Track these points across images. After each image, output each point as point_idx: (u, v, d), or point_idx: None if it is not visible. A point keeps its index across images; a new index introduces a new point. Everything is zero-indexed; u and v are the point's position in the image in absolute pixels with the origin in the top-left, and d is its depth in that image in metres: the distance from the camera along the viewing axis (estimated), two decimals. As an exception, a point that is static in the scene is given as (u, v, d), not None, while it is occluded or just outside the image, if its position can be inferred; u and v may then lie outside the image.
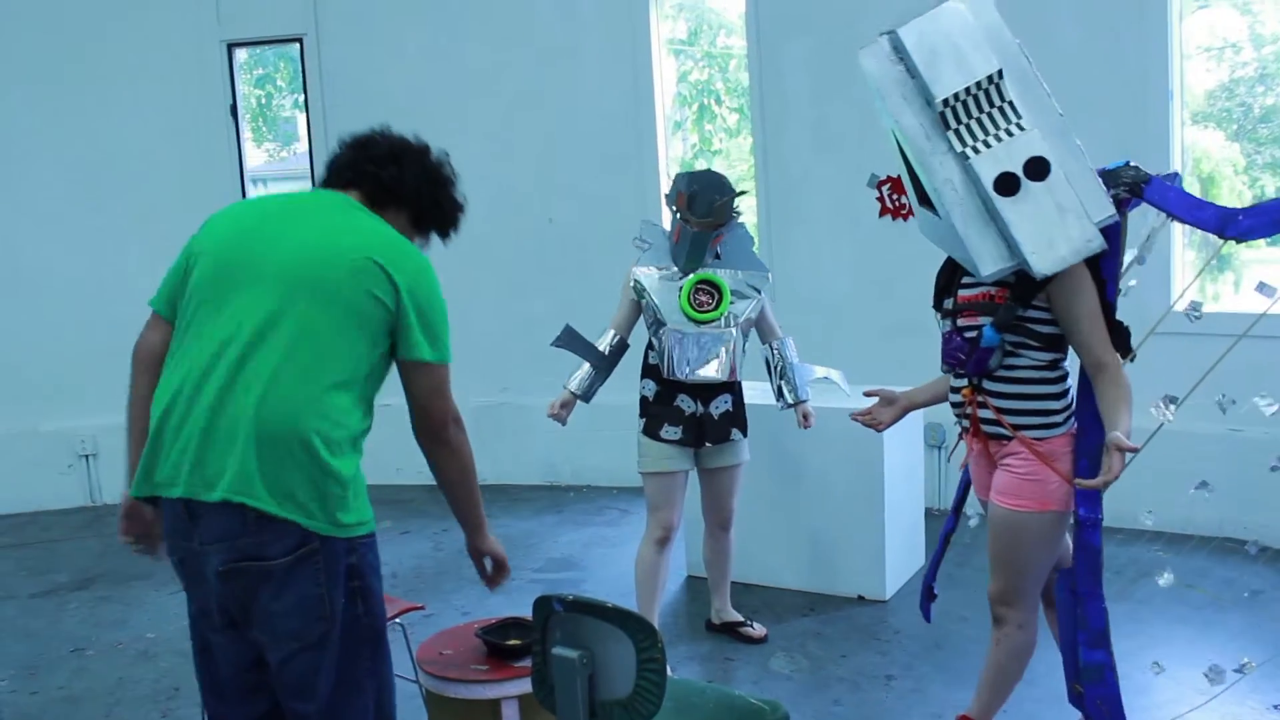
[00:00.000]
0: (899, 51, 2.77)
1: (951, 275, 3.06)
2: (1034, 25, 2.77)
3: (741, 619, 4.47)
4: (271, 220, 2.47)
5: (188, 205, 7.04)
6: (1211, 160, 5.97)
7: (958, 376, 3.04)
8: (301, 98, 7.29)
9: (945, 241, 3.00)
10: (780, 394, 4.24)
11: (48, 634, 4.91)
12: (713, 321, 4.00)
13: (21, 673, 4.49)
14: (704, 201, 3.94)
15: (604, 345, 4.20)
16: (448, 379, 2.59)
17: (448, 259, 6.42)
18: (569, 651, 2.27)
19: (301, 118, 7.50)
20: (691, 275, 4.05)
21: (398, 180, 2.58)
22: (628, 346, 4.25)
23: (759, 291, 4.12)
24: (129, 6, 6.90)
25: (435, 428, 2.61)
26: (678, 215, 4.02)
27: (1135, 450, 2.63)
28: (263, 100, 12.88)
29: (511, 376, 6.89)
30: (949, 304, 3.04)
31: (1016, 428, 2.92)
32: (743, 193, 4.15)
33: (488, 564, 2.76)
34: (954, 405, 3.10)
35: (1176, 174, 3.07)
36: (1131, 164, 2.86)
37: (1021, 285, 2.84)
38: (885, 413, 3.35)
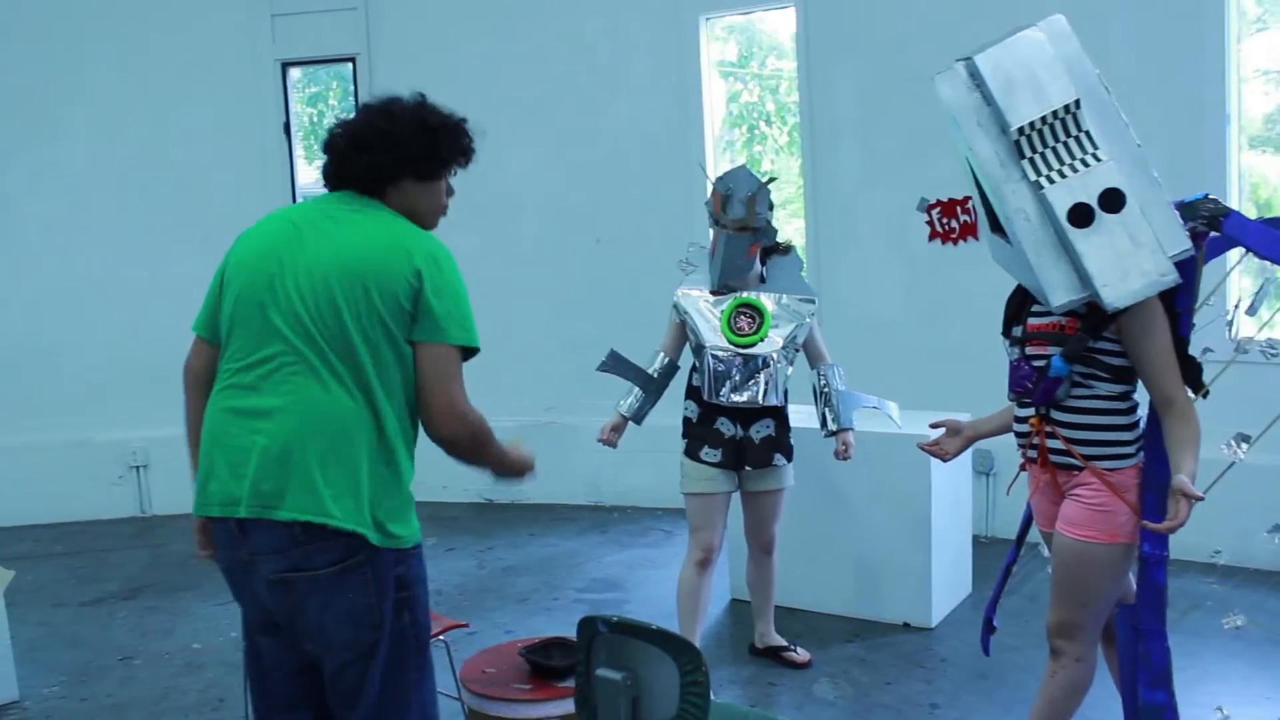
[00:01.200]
0: (975, 78, 2.75)
1: (1022, 303, 3.03)
2: (1088, 49, 2.73)
3: (785, 644, 4.43)
4: (294, 235, 2.47)
5: (241, 220, 7.03)
6: (1269, 185, 5.88)
7: (1024, 405, 3.01)
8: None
9: (1016, 269, 2.97)
10: (824, 421, 4.20)
11: (97, 642, 4.97)
12: (752, 345, 3.98)
13: (72, 679, 4.54)
14: (736, 201, 3.94)
15: (653, 368, 4.20)
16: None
17: (495, 277, 6.51)
18: (613, 673, 2.26)
19: (354, 136, 7.58)
20: (733, 299, 4.04)
21: (373, 166, 2.52)
22: (677, 368, 4.24)
23: (805, 316, 4.10)
24: (188, 26, 7.03)
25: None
26: (714, 222, 4.03)
27: (1200, 499, 2.59)
28: (315, 118, 13.06)
29: (557, 396, 6.91)
30: (1018, 332, 3.01)
31: (1087, 458, 2.88)
32: (772, 179, 4.13)
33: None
34: (1019, 435, 3.07)
35: (1231, 210, 3.03)
36: (1210, 196, 2.82)
37: (1093, 316, 2.80)
38: (951, 443, 3.31)
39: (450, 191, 2.69)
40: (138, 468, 7.15)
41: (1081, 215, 2.64)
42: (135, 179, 7.10)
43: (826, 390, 4.19)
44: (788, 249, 4.21)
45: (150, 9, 7.00)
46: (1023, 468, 3.14)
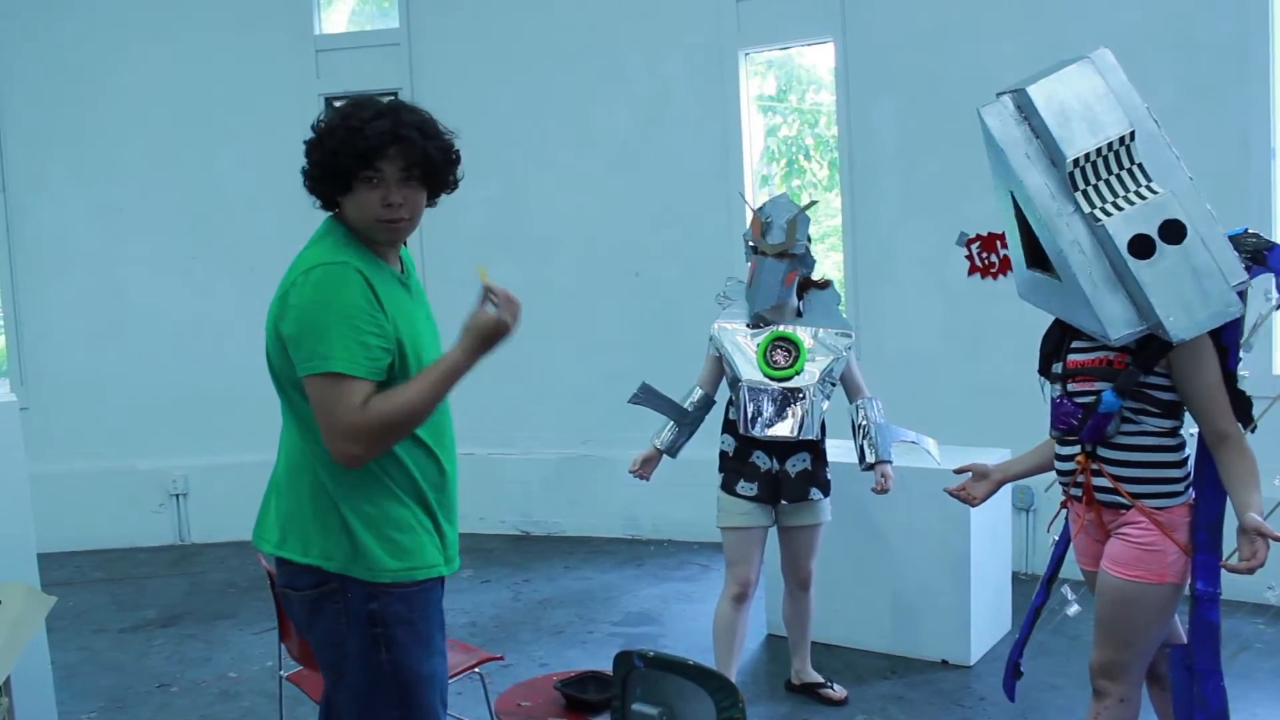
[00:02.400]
0: (1023, 110, 2.74)
1: (1060, 339, 3.00)
2: (1131, 83, 2.72)
3: (822, 680, 4.39)
4: None
5: (284, 253, 7.15)
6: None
7: (1067, 443, 2.96)
8: (396, 150, 7.46)
9: (1057, 304, 2.94)
10: (862, 455, 4.17)
11: (135, 669, 5.00)
12: (788, 379, 3.97)
13: (110, 705, 4.57)
14: (776, 226, 3.96)
15: (688, 402, 4.20)
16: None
17: (533, 310, 6.45)
18: (649, 708, 2.25)
19: (395, 169, 7.66)
20: (769, 332, 4.04)
21: (311, 179, 2.50)
22: (713, 403, 4.24)
23: (842, 350, 4.07)
24: (235, 61, 7.16)
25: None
26: (753, 248, 4.03)
27: (1278, 538, 2.55)
28: (358, 152, 13.21)
29: (594, 429, 6.91)
30: (1058, 368, 2.97)
31: (1135, 496, 2.83)
32: (813, 203, 4.16)
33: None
34: (1062, 473, 3.02)
35: (1276, 244, 3.00)
36: (1251, 230, 2.80)
37: (1145, 350, 2.77)
38: (979, 488, 3.27)
39: (420, 200, 2.46)
40: (177, 495, 7.22)
41: (1143, 247, 2.60)
42: (183, 212, 7.21)
43: (865, 424, 4.16)
44: (825, 284, 4.21)
45: (198, 45, 7.13)
46: (1064, 505, 3.10)
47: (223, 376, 7.20)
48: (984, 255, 5.86)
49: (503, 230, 7.03)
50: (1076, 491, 2.97)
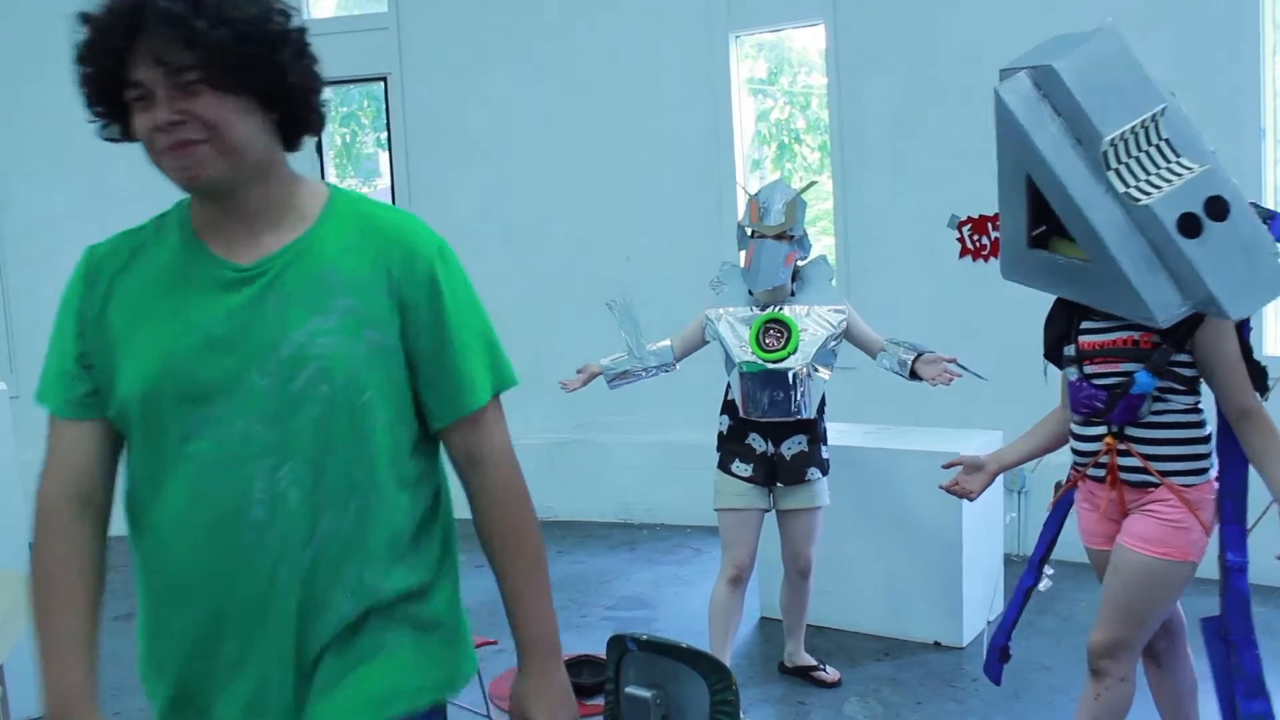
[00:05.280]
0: (1042, 88, 2.66)
1: (1068, 321, 2.96)
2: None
3: (815, 663, 4.40)
4: None
5: (274, 239, 7.25)
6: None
7: (1090, 424, 2.92)
8: (384, 135, 7.44)
9: (1074, 287, 2.86)
10: (903, 365, 3.99)
11: (128, 656, 4.96)
12: (781, 360, 3.97)
13: (105, 693, 4.55)
14: (774, 209, 3.98)
15: (653, 346, 4.23)
16: None
17: (525, 295, 6.51)
18: (642, 691, 2.25)
19: (384, 155, 7.65)
20: (760, 315, 4.03)
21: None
22: (672, 368, 4.25)
23: (836, 325, 4.05)
24: (222, 46, 7.11)
25: None
26: (750, 233, 4.02)
27: None
28: (346, 138, 13.17)
29: (586, 413, 6.90)
30: (1070, 351, 2.93)
31: (1164, 474, 2.82)
32: (812, 183, 4.15)
33: None
34: (1082, 454, 2.98)
35: (1275, 213, 2.99)
36: (1250, 200, 2.76)
37: (1175, 328, 2.73)
38: (974, 480, 3.25)
39: (225, 113, 1.60)
40: (170, 484, 7.20)
41: (1190, 225, 2.54)
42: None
43: (905, 354, 4.01)
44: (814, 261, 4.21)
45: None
46: (1068, 486, 3.07)
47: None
48: (975, 237, 5.86)
49: (493, 216, 7.02)
50: (1098, 472, 2.94)
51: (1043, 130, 2.66)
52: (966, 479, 3.27)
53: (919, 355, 4.00)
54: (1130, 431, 2.84)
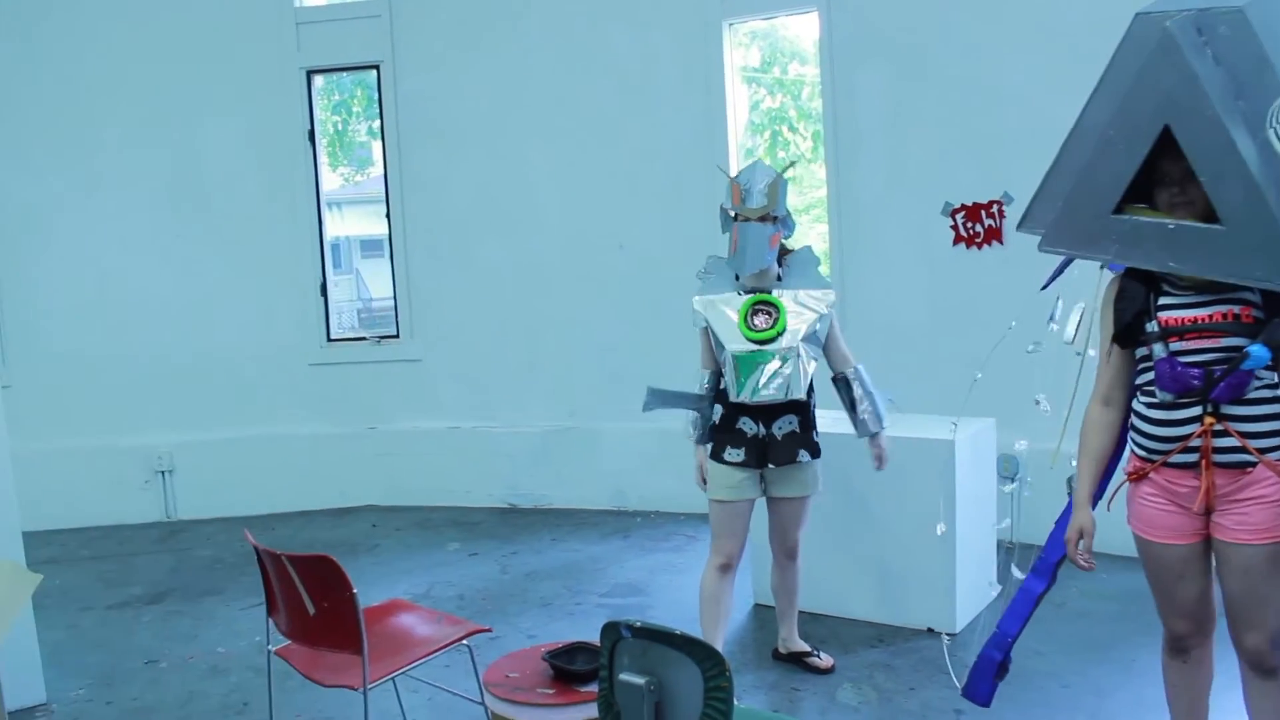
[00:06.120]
0: (1204, 34, 2.52)
1: (1145, 296, 2.80)
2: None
3: (809, 649, 4.42)
4: None
5: (265, 228, 7.24)
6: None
7: (1178, 406, 2.75)
8: (377, 123, 7.42)
9: (1161, 251, 2.70)
10: (863, 425, 4.18)
11: (122, 645, 5.00)
12: (771, 340, 3.97)
13: (98, 682, 4.57)
14: (756, 191, 3.96)
15: (701, 387, 4.16)
16: None
17: (519, 283, 6.48)
18: (636, 678, 2.25)
19: (376, 143, 7.63)
20: (749, 298, 4.03)
21: None
22: (722, 375, 4.22)
23: (824, 308, 4.06)
24: (215, 35, 7.09)
25: None
26: (734, 217, 4.02)
27: None
28: (339, 126, 13.15)
29: (580, 401, 6.91)
30: (1153, 327, 2.77)
31: (1262, 451, 2.69)
32: (794, 164, 4.14)
33: None
34: (1162, 440, 2.80)
35: None
36: None
37: (1275, 301, 2.64)
38: (1088, 541, 2.99)
39: None
40: (163, 472, 7.20)
41: None
42: (165, 188, 7.16)
43: (860, 396, 4.15)
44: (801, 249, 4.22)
45: (178, 19, 7.06)
46: (1135, 476, 2.91)
47: (208, 352, 7.19)
48: (969, 225, 5.86)
49: (487, 204, 7.01)
50: (1187, 457, 2.76)
51: (1214, 82, 2.51)
52: (1088, 542, 3.00)
53: (877, 436, 4.20)
54: (1228, 410, 2.69)
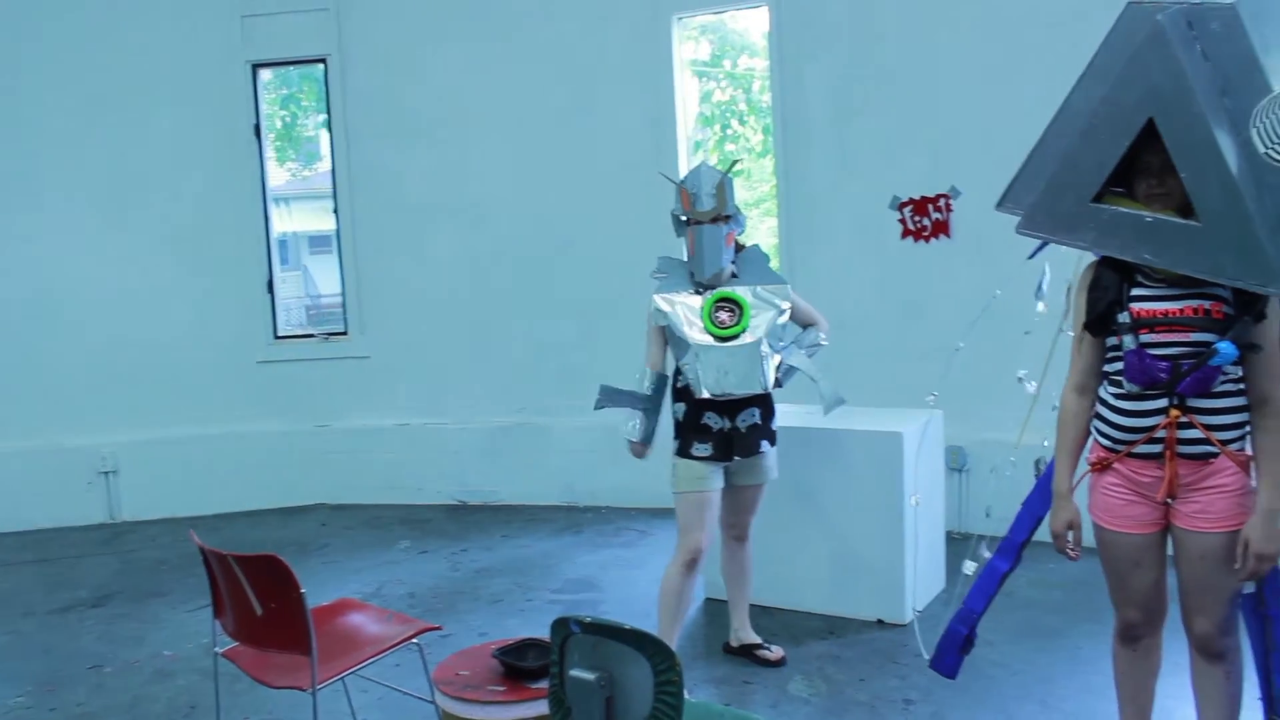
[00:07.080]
0: (1195, 28, 2.53)
1: (1119, 287, 2.81)
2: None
3: (760, 641, 4.43)
4: None
5: (211, 224, 7.14)
6: None
7: (1145, 398, 2.77)
8: (325, 118, 7.34)
9: (1137, 242, 2.71)
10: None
11: (66, 650, 4.91)
12: (736, 336, 4.00)
13: (39, 689, 4.49)
14: (704, 195, 3.99)
15: (644, 388, 4.19)
16: None
17: (467, 279, 6.45)
18: (586, 673, 2.24)
19: (325, 137, 7.55)
20: (711, 294, 4.05)
21: None
22: (668, 378, 4.23)
23: (780, 302, 4.10)
24: (156, 27, 6.98)
25: None
26: (686, 221, 4.04)
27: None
28: (287, 120, 13.01)
29: (529, 397, 6.89)
30: (1124, 318, 2.79)
31: (1224, 443, 2.73)
32: (737, 162, 4.18)
33: None
34: (1127, 430, 2.82)
35: None
36: None
37: (1251, 300, 2.66)
38: (1076, 532, 3.00)
39: None
40: (107, 473, 7.08)
41: None
42: (104, 183, 7.04)
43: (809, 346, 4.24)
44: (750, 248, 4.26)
45: (117, 10, 6.94)
46: (1098, 466, 2.92)
47: (152, 350, 7.08)
48: (916, 219, 5.91)
49: (437, 198, 6.96)
50: (1151, 448, 2.79)
51: (1202, 77, 2.53)
52: (1075, 535, 3.00)
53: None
54: (1194, 403, 2.72)
